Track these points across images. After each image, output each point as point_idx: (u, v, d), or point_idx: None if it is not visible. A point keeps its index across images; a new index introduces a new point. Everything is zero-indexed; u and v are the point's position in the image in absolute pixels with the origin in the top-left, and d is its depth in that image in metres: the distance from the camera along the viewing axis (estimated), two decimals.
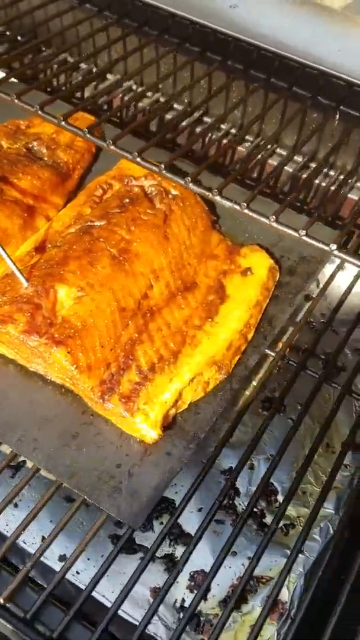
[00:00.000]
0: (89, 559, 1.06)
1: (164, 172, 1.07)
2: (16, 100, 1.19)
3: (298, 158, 1.52)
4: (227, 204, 1.02)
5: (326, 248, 0.94)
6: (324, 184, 1.52)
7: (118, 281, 1.14)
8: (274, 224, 0.98)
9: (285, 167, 1.52)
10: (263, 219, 0.99)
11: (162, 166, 1.07)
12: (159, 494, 0.96)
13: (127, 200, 1.30)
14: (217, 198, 1.02)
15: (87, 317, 1.07)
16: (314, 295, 1.37)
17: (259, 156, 1.54)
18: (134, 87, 1.68)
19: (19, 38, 1.67)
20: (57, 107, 1.13)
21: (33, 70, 1.41)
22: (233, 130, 1.59)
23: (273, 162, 1.57)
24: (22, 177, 1.36)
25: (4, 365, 1.11)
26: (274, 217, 0.98)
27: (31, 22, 1.56)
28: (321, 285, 1.33)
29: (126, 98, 1.67)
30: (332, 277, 1.33)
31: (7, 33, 1.72)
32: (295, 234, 0.96)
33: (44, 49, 1.73)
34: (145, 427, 0.99)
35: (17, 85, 1.58)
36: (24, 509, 1.11)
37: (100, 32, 1.46)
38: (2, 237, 1.25)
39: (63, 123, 1.14)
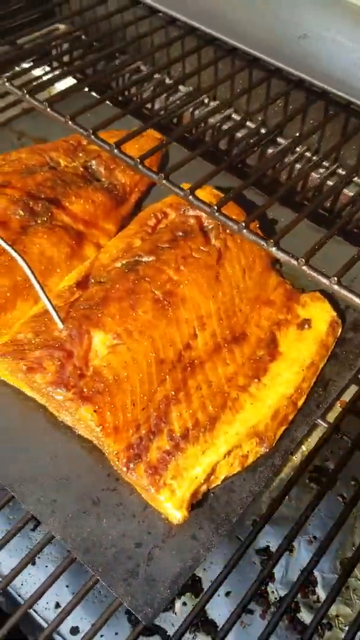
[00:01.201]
0: (102, 636, 0.97)
1: (216, 214, 0.96)
2: (48, 109, 1.09)
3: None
4: (283, 257, 0.89)
5: None
6: None
7: (159, 329, 1.03)
8: (335, 287, 0.85)
9: None
10: (323, 280, 0.86)
11: (215, 208, 0.95)
12: (178, 587, 0.85)
13: (180, 233, 1.19)
14: (275, 251, 0.90)
15: (121, 370, 0.97)
16: None
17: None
18: (206, 100, 1.58)
19: (94, 44, 1.61)
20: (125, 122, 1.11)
21: (105, 80, 1.37)
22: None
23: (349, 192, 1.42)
24: (75, 201, 1.28)
25: (34, 410, 1.04)
26: (335, 278, 0.85)
27: (108, 28, 1.48)
28: None
29: (197, 112, 1.57)
30: None
31: (83, 37, 1.66)
32: None
33: (117, 55, 1.65)
34: (169, 506, 0.88)
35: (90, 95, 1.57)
36: (42, 568, 1.02)
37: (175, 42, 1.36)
38: (47, 266, 1.18)
39: (93, 136, 1.06)
